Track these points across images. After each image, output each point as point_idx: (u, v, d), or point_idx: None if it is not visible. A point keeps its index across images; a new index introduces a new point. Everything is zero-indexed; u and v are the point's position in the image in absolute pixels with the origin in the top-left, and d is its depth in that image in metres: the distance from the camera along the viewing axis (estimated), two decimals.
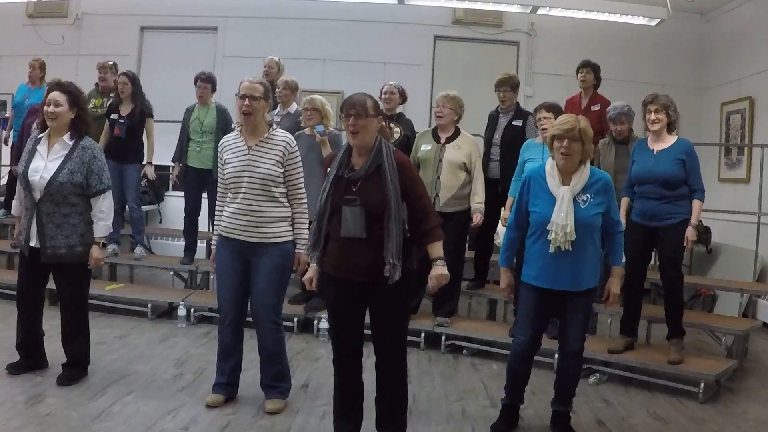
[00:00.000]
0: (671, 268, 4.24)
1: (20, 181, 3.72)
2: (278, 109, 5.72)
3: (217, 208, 3.66)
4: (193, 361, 4.44)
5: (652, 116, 4.23)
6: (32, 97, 6.53)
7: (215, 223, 3.70)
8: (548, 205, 3.25)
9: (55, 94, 3.67)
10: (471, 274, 5.58)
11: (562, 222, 3.18)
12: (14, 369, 3.91)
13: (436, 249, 2.90)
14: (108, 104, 6.13)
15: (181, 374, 4.17)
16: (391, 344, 2.98)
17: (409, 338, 4.94)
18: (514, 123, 5.17)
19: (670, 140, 4.22)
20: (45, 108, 3.67)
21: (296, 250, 3.56)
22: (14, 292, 5.79)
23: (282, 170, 3.45)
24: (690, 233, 4.12)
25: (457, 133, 4.90)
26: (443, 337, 4.98)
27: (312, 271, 3.10)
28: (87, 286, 3.92)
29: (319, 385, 4.09)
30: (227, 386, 3.71)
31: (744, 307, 5.65)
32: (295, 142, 3.56)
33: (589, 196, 3.25)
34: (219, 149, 3.61)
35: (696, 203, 4.16)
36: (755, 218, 5.60)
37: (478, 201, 4.82)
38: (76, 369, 3.90)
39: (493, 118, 5.32)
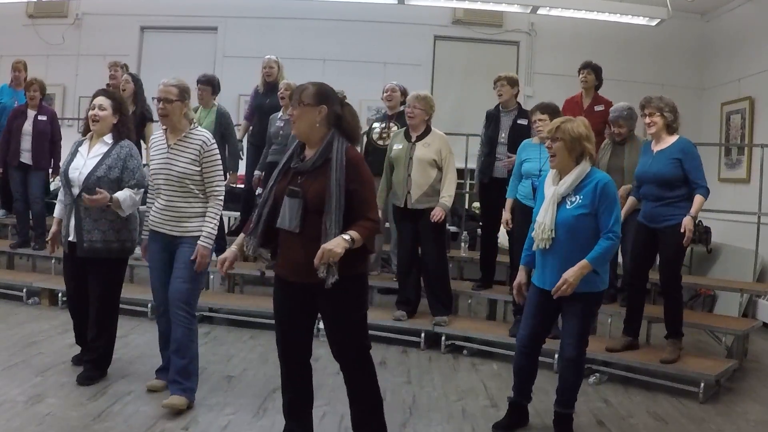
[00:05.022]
0: (668, 269, 4.23)
1: (61, 179, 3.89)
2: (280, 113, 5.73)
3: (148, 202, 3.77)
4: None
5: (647, 119, 4.25)
6: (20, 98, 6.52)
7: (147, 216, 3.77)
8: (541, 204, 3.36)
9: (101, 99, 3.87)
10: (477, 275, 5.58)
11: (541, 220, 3.28)
12: (79, 360, 4.08)
13: (355, 234, 2.65)
14: None
15: None
16: (345, 349, 2.83)
17: (409, 338, 5.05)
18: (519, 122, 5.17)
19: (670, 140, 4.22)
20: (90, 112, 3.85)
21: (199, 243, 3.54)
22: (14, 292, 5.84)
23: (199, 168, 3.55)
24: (687, 221, 4.04)
25: (427, 132, 4.97)
26: (443, 337, 4.98)
27: (228, 252, 2.93)
28: (118, 286, 4.01)
29: (319, 385, 4.07)
30: (168, 371, 3.72)
31: (744, 307, 5.65)
32: (212, 140, 3.64)
33: (578, 197, 3.26)
34: (149, 146, 3.80)
35: (698, 197, 4.10)
36: (755, 218, 5.60)
37: (443, 196, 4.86)
38: (97, 369, 3.95)
39: (494, 117, 5.31)
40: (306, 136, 2.80)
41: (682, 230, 4.04)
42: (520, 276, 3.53)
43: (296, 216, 2.70)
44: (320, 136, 2.77)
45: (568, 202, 3.27)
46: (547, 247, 3.26)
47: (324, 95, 2.79)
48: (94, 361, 3.90)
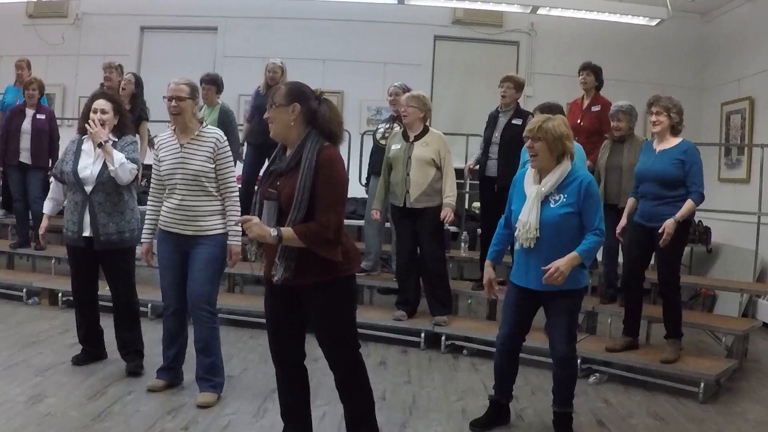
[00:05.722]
0: (666, 268, 4.23)
1: (69, 178, 3.91)
2: None
3: (150, 202, 3.78)
4: (193, 361, 4.40)
5: (653, 117, 4.25)
6: (22, 97, 6.52)
7: (147, 217, 3.80)
8: (522, 203, 3.34)
9: (102, 103, 3.91)
10: (477, 275, 5.58)
11: (525, 219, 3.27)
12: (79, 360, 4.15)
13: (288, 230, 2.59)
14: None
15: None
16: (332, 351, 2.80)
17: (409, 338, 5.05)
18: (513, 122, 5.18)
19: (673, 141, 4.22)
20: (92, 116, 3.88)
21: (228, 242, 3.67)
22: (14, 292, 5.84)
23: (213, 166, 3.60)
24: (668, 224, 4.02)
25: (425, 131, 4.99)
26: (443, 337, 4.99)
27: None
28: (134, 273, 4.12)
29: (319, 384, 4.07)
30: (169, 371, 3.84)
31: (744, 307, 5.66)
32: (225, 138, 3.69)
33: (562, 195, 3.26)
34: (155, 147, 3.79)
35: (688, 202, 4.10)
36: (755, 218, 5.60)
37: (447, 196, 4.89)
38: (139, 357, 4.05)
39: (493, 118, 5.34)
40: (283, 137, 2.74)
41: (660, 231, 4.04)
42: (489, 272, 3.53)
43: (272, 218, 2.68)
44: (297, 136, 2.70)
45: (552, 201, 3.27)
46: (532, 246, 3.26)
47: (295, 93, 2.70)
48: (137, 352, 4.04)
